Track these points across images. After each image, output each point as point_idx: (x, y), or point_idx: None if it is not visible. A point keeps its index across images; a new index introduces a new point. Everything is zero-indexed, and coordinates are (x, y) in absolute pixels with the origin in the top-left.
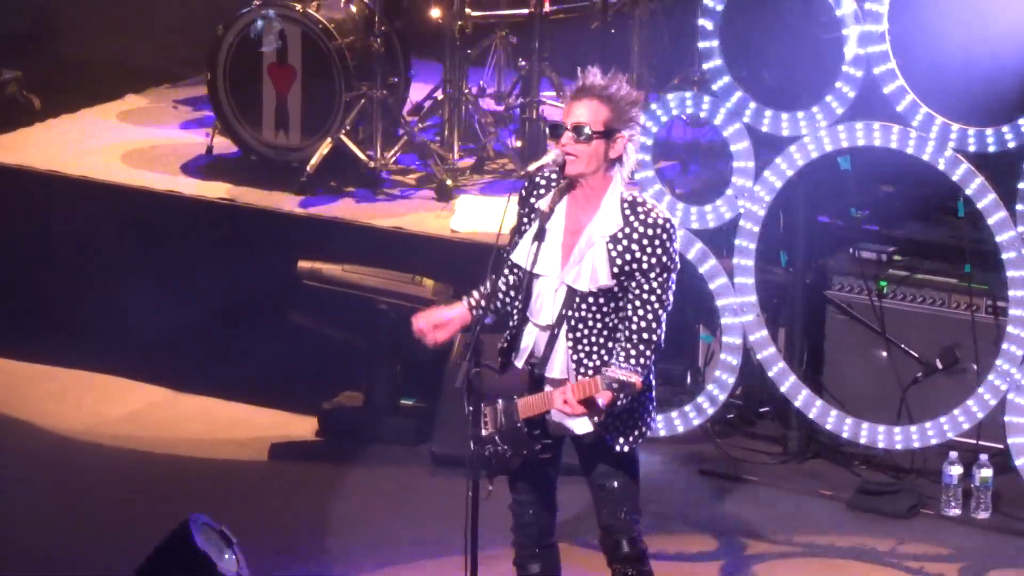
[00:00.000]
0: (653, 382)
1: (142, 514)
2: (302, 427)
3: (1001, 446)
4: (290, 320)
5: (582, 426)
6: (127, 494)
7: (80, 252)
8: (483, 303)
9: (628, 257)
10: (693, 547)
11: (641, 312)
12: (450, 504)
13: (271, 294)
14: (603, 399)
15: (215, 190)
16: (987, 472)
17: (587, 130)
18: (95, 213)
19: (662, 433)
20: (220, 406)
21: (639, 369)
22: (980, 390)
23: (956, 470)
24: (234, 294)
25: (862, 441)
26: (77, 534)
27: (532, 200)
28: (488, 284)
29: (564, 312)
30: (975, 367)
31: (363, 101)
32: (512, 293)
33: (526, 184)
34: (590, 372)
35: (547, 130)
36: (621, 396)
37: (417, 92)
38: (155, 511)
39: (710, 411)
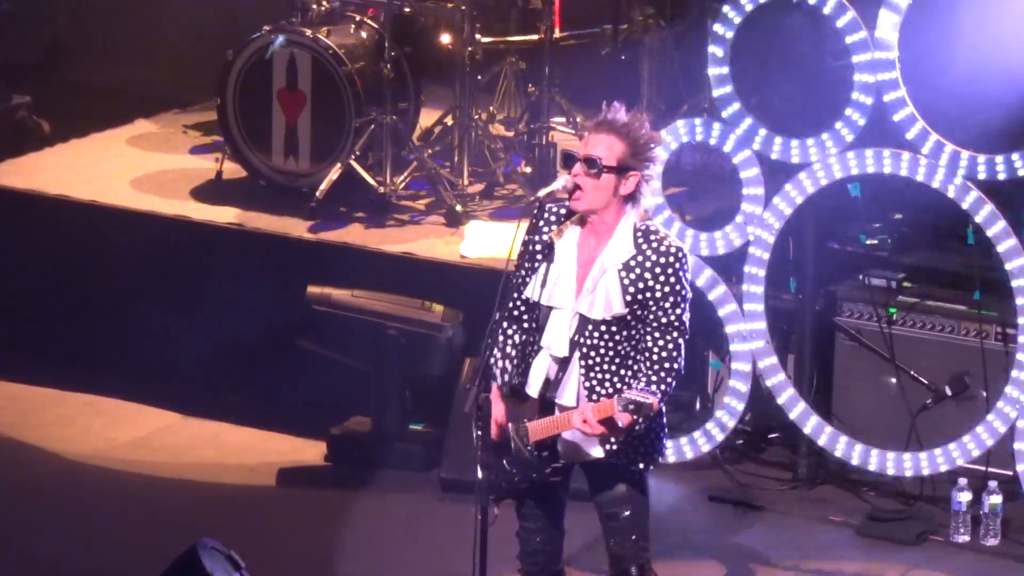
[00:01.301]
0: (663, 409)
1: (151, 538)
2: (311, 452)
3: (1010, 473)
4: (299, 345)
5: (592, 452)
6: (136, 518)
7: (89, 277)
8: (490, 334)
9: (641, 285)
10: (701, 574)
11: (662, 342)
12: (459, 530)
13: (281, 319)
14: (622, 420)
15: (224, 215)
16: (996, 499)
17: (599, 164)
18: (104, 238)
19: (671, 459)
20: (229, 431)
21: (657, 392)
22: (989, 417)
23: (965, 497)
24: (243, 319)
25: (871, 468)
26: (86, 558)
27: (542, 235)
28: (500, 318)
29: (576, 339)
30: (984, 394)
31: (373, 127)
32: (524, 325)
33: (536, 217)
34: (603, 398)
35: (560, 159)
36: (639, 419)
37: (427, 118)
38: (164, 535)
39: (719, 437)
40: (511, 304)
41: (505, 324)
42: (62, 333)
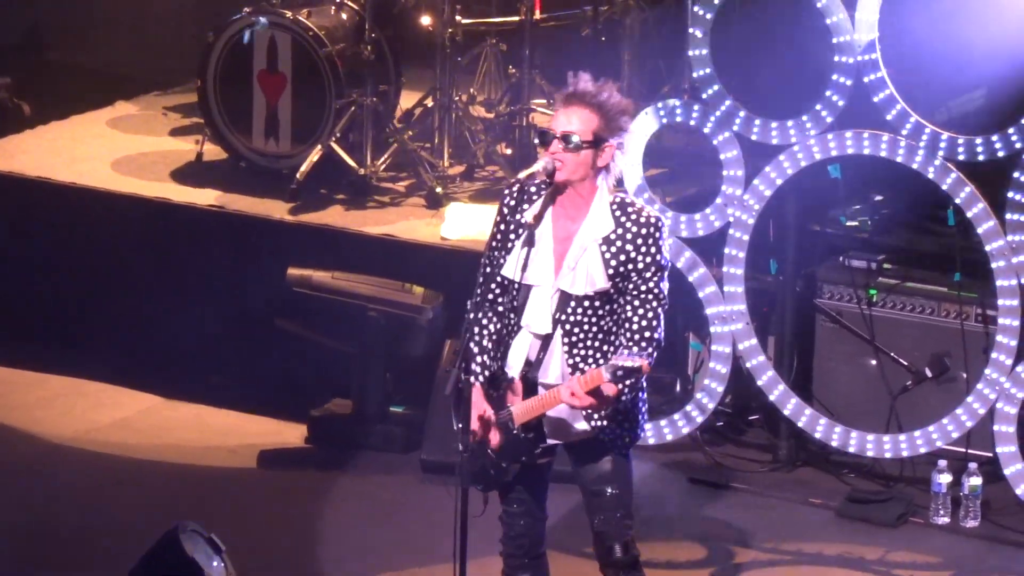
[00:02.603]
0: (643, 386)
1: (131, 521)
2: (292, 434)
3: (990, 455)
4: (280, 327)
5: (582, 424)
6: (117, 501)
7: (69, 259)
8: (470, 313)
9: (623, 257)
10: (682, 555)
11: (641, 311)
12: (439, 512)
13: (261, 301)
14: (609, 390)
15: (205, 197)
16: (976, 481)
17: (576, 139)
18: (85, 220)
19: (651, 441)
20: (210, 413)
21: (644, 356)
22: (969, 399)
23: (945, 479)
24: (224, 301)
25: (851, 449)
26: (66, 540)
27: (517, 214)
28: (476, 306)
29: (558, 316)
30: (964, 376)
31: (353, 108)
32: (500, 309)
33: (509, 196)
34: (589, 370)
35: (536, 137)
36: (626, 388)
37: (407, 99)
38: (144, 518)
39: (699, 419)
40: (486, 290)
41: (479, 314)
42: (43, 315)
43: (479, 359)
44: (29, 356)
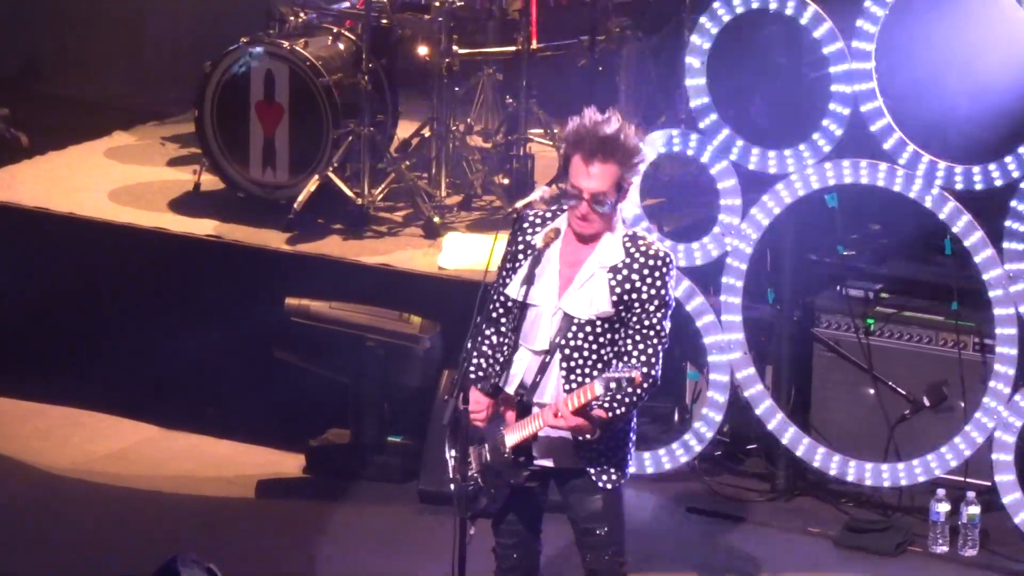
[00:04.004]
0: (634, 423)
1: (129, 551)
2: (289, 464)
3: (989, 483)
4: (277, 357)
5: (564, 460)
6: (114, 531)
7: (67, 289)
8: (469, 343)
9: (628, 287)
10: None
11: (642, 346)
12: (437, 542)
13: (259, 331)
14: (598, 412)
15: (202, 227)
16: (975, 510)
17: (608, 201)
18: (82, 250)
19: (649, 471)
20: (208, 443)
21: (639, 368)
22: (967, 427)
23: (944, 507)
24: (222, 332)
25: (849, 479)
26: (64, 571)
27: (527, 237)
28: (479, 320)
29: (558, 340)
30: (962, 404)
31: (350, 138)
32: (502, 328)
33: (517, 221)
34: (583, 384)
35: (562, 197)
36: (616, 410)
37: (404, 129)
38: (142, 548)
39: (697, 448)
40: (491, 307)
41: (484, 325)
42: (40, 345)
43: (476, 361)
44: (26, 386)
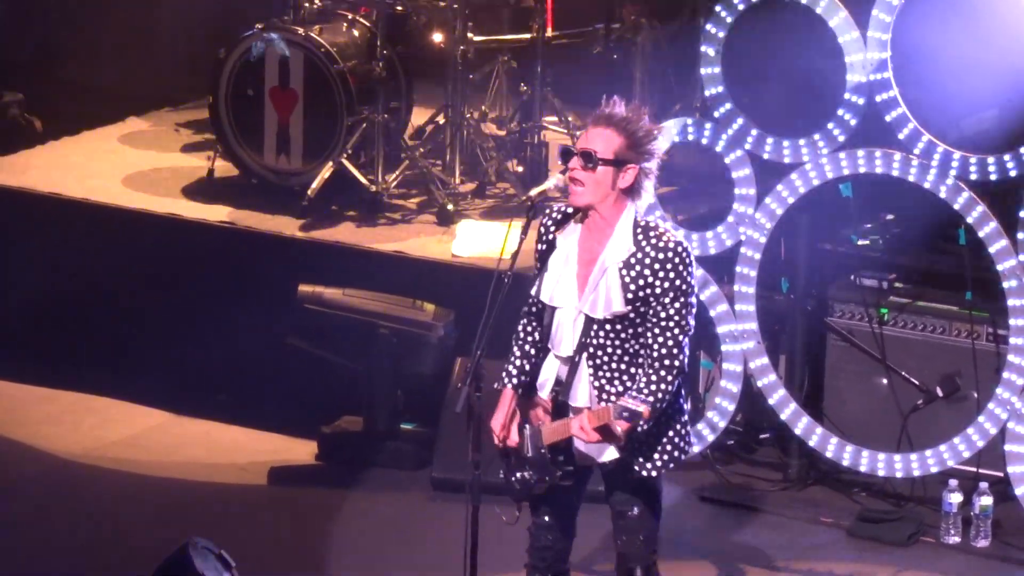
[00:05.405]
0: (685, 406)
1: (141, 537)
2: (302, 451)
3: (1001, 474)
4: (290, 344)
5: (606, 454)
6: (126, 517)
7: (80, 275)
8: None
9: (641, 282)
10: (694, 574)
11: (661, 339)
12: (450, 529)
13: (272, 318)
14: (619, 427)
15: (216, 213)
16: (987, 500)
17: (595, 157)
18: (96, 236)
19: None
20: (220, 430)
21: (651, 399)
22: (980, 418)
23: (956, 498)
24: (235, 318)
25: (862, 469)
26: (76, 557)
27: (550, 236)
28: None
29: (583, 340)
30: (976, 395)
31: (365, 125)
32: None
33: (547, 217)
34: (613, 398)
35: (559, 154)
36: (640, 424)
37: (419, 116)
38: (154, 534)
39: (710, 438)
40: (530, 302)
41: (524, 322)
42: (52, 331)
43: (518, 363)
44: (38, 372)
